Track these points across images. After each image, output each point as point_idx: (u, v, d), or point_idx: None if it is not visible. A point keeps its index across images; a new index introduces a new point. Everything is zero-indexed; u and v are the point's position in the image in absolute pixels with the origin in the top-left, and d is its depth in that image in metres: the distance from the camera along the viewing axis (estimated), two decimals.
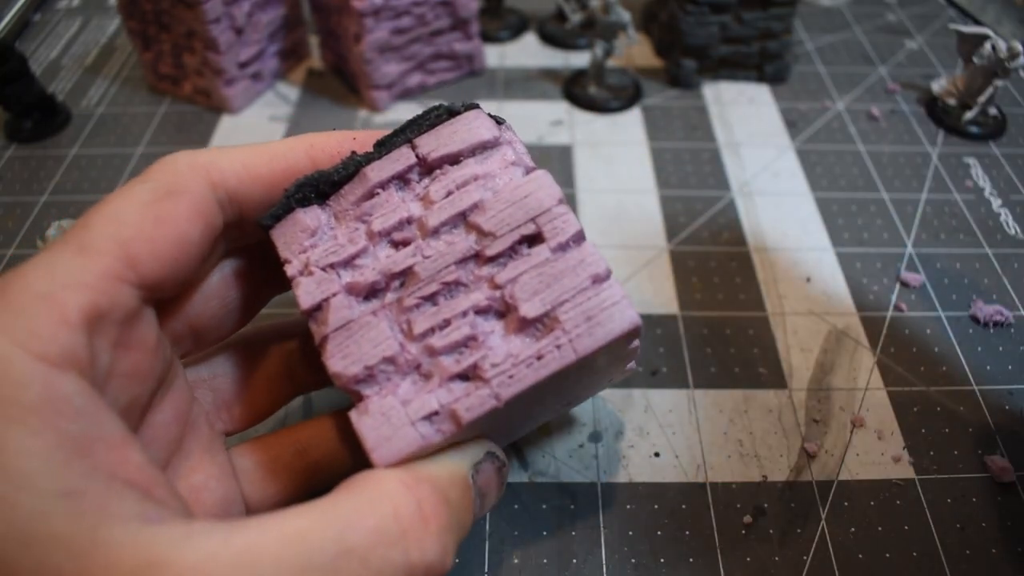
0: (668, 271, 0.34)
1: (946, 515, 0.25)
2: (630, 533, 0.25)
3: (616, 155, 0.40)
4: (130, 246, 0.16)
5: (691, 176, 0.39)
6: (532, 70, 0.47)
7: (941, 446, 0.27)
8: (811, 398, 0.29)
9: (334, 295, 0.18)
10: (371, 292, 0.18)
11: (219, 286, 0.20)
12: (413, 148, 0.19)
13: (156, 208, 0.17)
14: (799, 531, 0.25)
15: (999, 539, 0.25)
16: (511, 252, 0.18)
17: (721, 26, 0.43)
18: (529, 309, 0.17)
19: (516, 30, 0.50)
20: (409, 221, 0.19)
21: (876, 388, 0.29)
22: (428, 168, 0.19)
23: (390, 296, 0.18)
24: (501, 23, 0.50)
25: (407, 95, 0.44)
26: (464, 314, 0.18)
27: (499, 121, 0.20)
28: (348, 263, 0.18)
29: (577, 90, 0.44)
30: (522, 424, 0.22)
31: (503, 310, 0.18)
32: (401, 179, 0.19)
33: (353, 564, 0.14)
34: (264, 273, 0.21)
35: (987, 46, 0.39)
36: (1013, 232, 0.36)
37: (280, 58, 0.46)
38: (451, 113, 0.19)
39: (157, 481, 0.15)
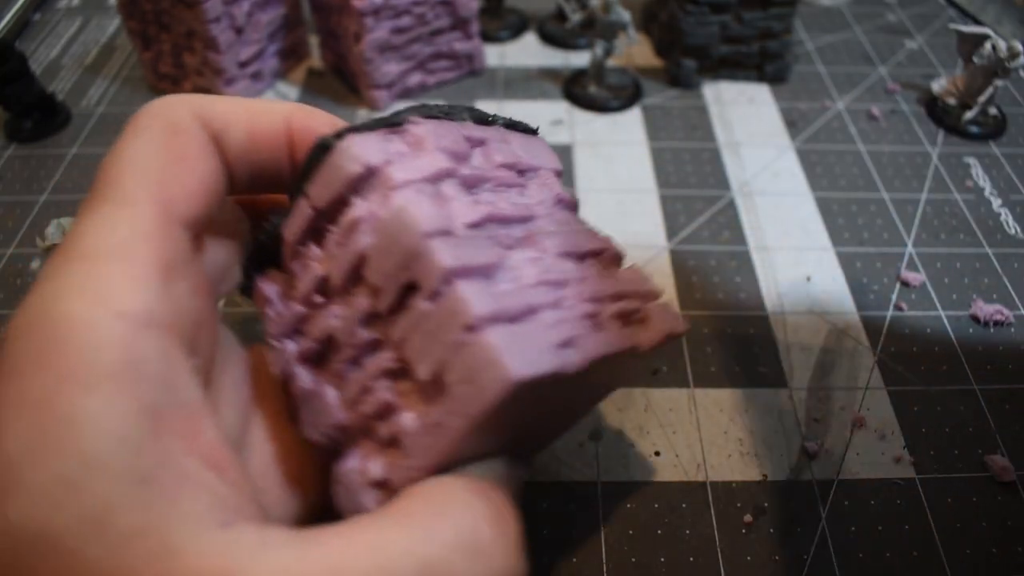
0: (668, 270, 0.34)
1: (946, 515, 0.25)
2: (630, 532, 0.25)
3: (616, 155, 0.40)
4: (163, 189, 0.16)
5: (691, 176, 0.39)
6: (532, 70, 0.47)
7: (941, 446, 0.27)
8: (811, 397, 0.29)
9: (290, 367, 0.17)
10: (316, 358, 0.17)
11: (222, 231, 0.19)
12: (307, 198, 0.17)
13: (169, 148, 0.16)
14: (799, 531, 0.25)
15: (999, 539, 0.25)
16: (399, 307, 0.16)
17: (721, 26, 0.43)
18: (422, 371, 0.15)
19: (516, 30, 0.50)
20: (325, 280, 0.17)
21: (876, 388, 0.29)
22: (329, 217, 0.17)
23: (333, 360, 0.17)
24: (501, 23, 0.50)
25: (407, 95, 0.44)
26: (377, 378, 0.16)
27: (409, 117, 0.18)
28: (293, 331, 0.18)
29: (577, 90, 0.44)
30: (538, 438, 0.21)
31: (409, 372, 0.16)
32: (313, 232, 0.17)
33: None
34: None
35: (987, 46, 0.39)
36: (1013, 232, 0.36)
37: (280, 58, 0.46)
38: (324, 149, 0.17)
39: (229, 460, 0.15)
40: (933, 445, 0.27)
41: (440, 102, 0.19)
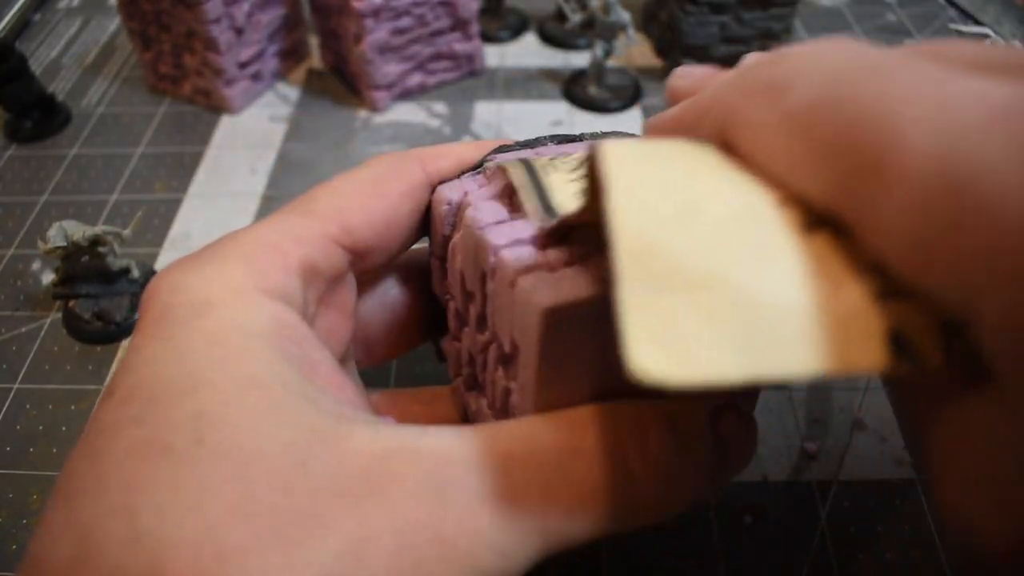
0: None
1: None
2: (630, 532, 0.25)
3: None
4: (347, 214, 0.18)
5: None
6: (532, 70, 0.47)
7: None
8: (811, 398, 0.29)
9: (461, 397, 0.20)
10: (473, 382, 0.20)
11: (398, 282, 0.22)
12: (432, 253, 0.20)
13: (373, 185, 0.19)
14: (799, 531, 0.25)
15: None
16: (484, 300, 0.17)
17: (721, 26, 0.43)
18: (506, 345, 0.16)
19: (516, 30, 0.50)
20: (457, 312, 0.20)
21: (876, 388, 0.29)
22: (446, 259, 0.19)
23: (479, 376, 0.19)
24: (501, 23, 0.50)
25: (407, 95, 0.44)
26: (495, 370, 0.18)
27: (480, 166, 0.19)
28: (457, 367, 0.20)
29: (577, 90, 0.44)
30: None
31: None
32: (445, 279, 0.20)
33: (580, 464, 0.14)
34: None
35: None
36: None
37: (280, 58, 0.46)
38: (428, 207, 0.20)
39: (366, 403, 0.17)
40: None
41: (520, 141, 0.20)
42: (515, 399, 0.17)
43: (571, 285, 0.14)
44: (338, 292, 0.19)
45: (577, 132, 0.20)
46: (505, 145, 0.19)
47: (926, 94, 0.10)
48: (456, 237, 0.18)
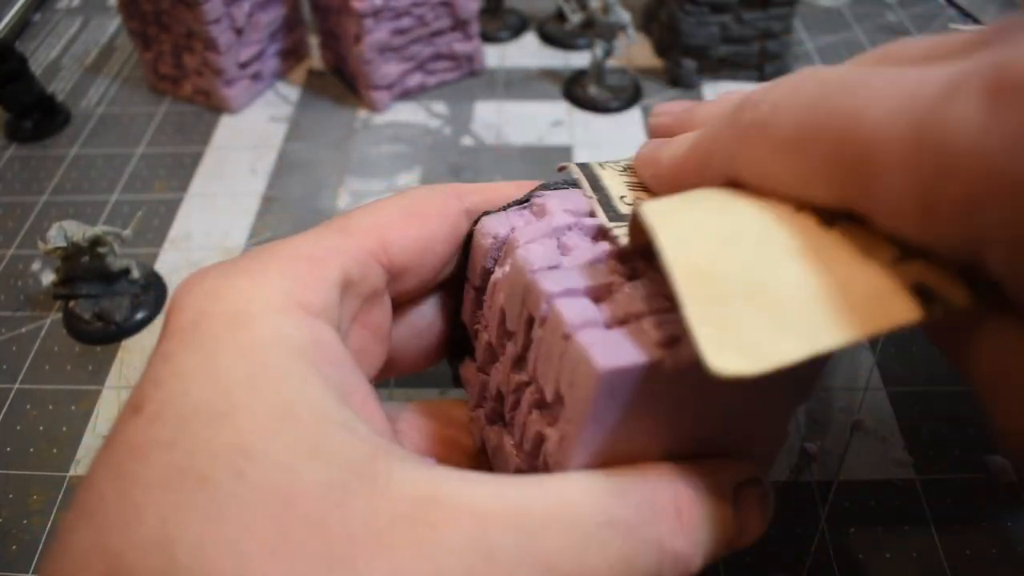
0: None
1: (946, 515, 0.25)
2: None
3: (617, 155, 0.40)
4: (384, 232, 0.18)
5: None
6: (532, 70, 0.47)
7: (941, 446, 0.27)
8: (811, 398, 0.29)
9: (481, 429, 0.20)
10: (496, 416, 0.20)
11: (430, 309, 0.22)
12: (468, 281, 0.20)
13: (410, 207, 0.19)
14: (799, 531, 0.25)
15: (999, 539, 0.25)
16: (528, 342, 0.17)
17: (721, 26, 0.43)
18: (548, 393, 0.16)
19: (516, 30, 0.50)
20: (489, 345, 0.19)
21: (876, 388, 0.29)
22: (484, 290, 0.19)
23: (505, 412, 0.19)
24: (501, 23, 0.50)
25: (407, 95, 0.44)
26: (529, 413, 0.17)
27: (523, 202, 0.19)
28: (480, 399, 0.20)
29: (577, 90, 0.44)
30: (740, 444, 0.19)
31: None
32: (478, 309, 0.20)
33: (616, 536, 0.14)
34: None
35: None
36: None
37: (280, 58, 0.46)
38: (470, 236, 0.20)
39: (390, 431, 0.16)
40: (933, 446, 0.27)
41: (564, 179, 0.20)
42: (551, 447, 0.16)
43: (631, 347, 0.14)
44: (373, 312, 0.18)
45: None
46: (552, 182, 0.20)
47: (887, 91, 0.12)
48: (499, 272, 0.18)
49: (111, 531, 0.12)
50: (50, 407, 0.29)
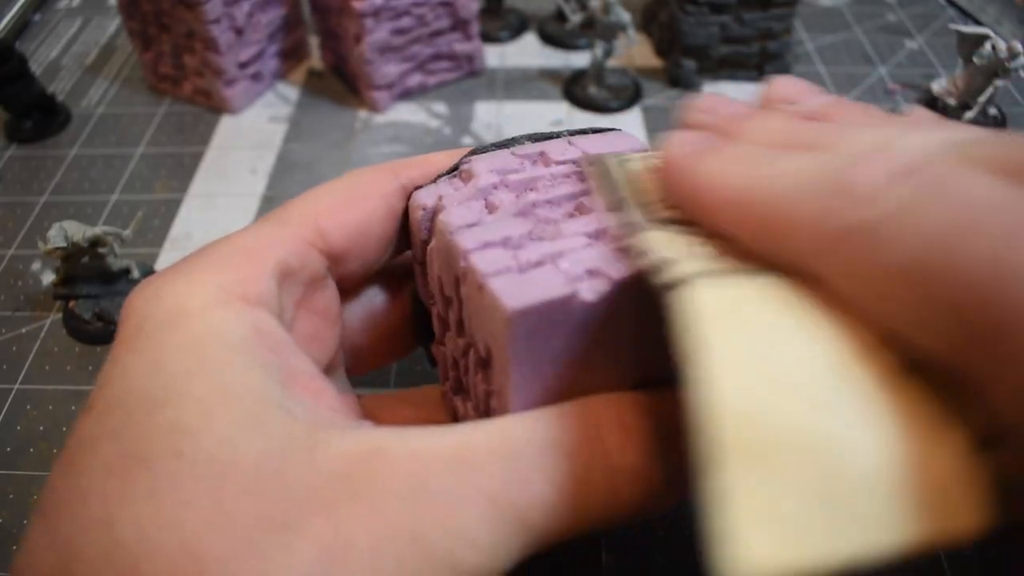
0: None
1: None
2: (630, 533, 0.25)
3: None
4: (320, 219, 0.18)
5: None
6: (532, 70, 0.47)
7: None
8: None
9: (451, 402, 0.20)
10: (459, 387, 0.20)
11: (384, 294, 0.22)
12: (415, 259, 0.20)
13: (346, 191, 0.19)
14: None
15: (999, 539, 0.25)
16: (460, 304, 0.17)
17: (721, 26, 0.43)
18: (481, 349, 0.16)
19: (516, 30, 0.50)
20: (440, 318, 0.19)
21: None
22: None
23: (463, 380, 0.19)
24: (501, 23, 0.50)
25: (407, 95, 0.44)
26: (475, 374, 0.17)
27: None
28: (445, 373, 0.20)
29: (577, 90, 0.44)
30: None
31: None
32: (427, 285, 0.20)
33: (559, 458, 0.14)
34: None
35: (987, 46, 0.39)
36: None
37: (280, 58, 0.46)
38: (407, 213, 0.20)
39: (350, 412, 0.17)
40: None
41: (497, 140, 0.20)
42: (495, 403, 0.17)
43: (540, 285, 0.14)
44: (319, 297, 0.19)
45: (555, 131, 0.20)
46: (480, 147, 0.20)
47: None
48: (432, 242, 0.18)
49: (60, 519, 0.13)
50: (50, 407, 0.29)
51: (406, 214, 0.20)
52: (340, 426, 0.14)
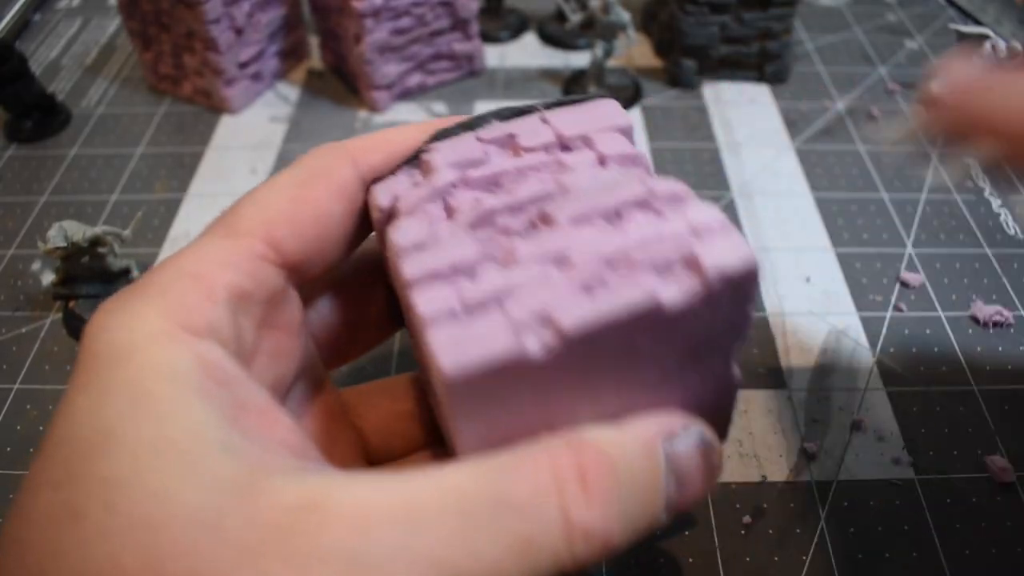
0: None
1: (946, 515, 0.25)
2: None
3: None
4: (273, 227, 0.17)
5: (691, 176, 0.39)
6: (532, 70, 0.47)
7: (941, 446, 0.27)
8: (810, 398, 0.29)
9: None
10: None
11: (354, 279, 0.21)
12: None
13: (298, 191, 0.17)
14: (798, 531, 0.25)
15: (999, 539, 0.25)
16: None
17: (721, 26, 0.43)
18: (431, 377, 0.15)
19: (516, 30, 0.50)
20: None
21: (876, 388, 0.29)
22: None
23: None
24: (501, 23, 0.50)
25: (407, 95, 0.44)
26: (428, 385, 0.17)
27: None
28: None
29: (577, 90, 0.44)
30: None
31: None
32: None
33: (511, 518, 0.13)
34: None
35: (987, 46, 0.39)
36: (1013, 232, 0.36)
37: (280, 58, 0.46)
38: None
39: (306, 445, 0.16)
40: (932, 446, 0.27)
41: (463, 118, 0.19)
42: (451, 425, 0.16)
43: (482, 341, 0.13)
44: (280, 311, 0.18)
45: (527, 105, 0.19)
46: (443, 130, 0.18)
47: None
48: (388, 261, 0.17)
49: (6, 564, 0.13)
50: (50, 407, 0.29)
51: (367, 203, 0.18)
52: (283, 469, 0.14)
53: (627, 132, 0.18)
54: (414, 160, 0.18)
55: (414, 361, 0.30)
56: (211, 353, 0.15)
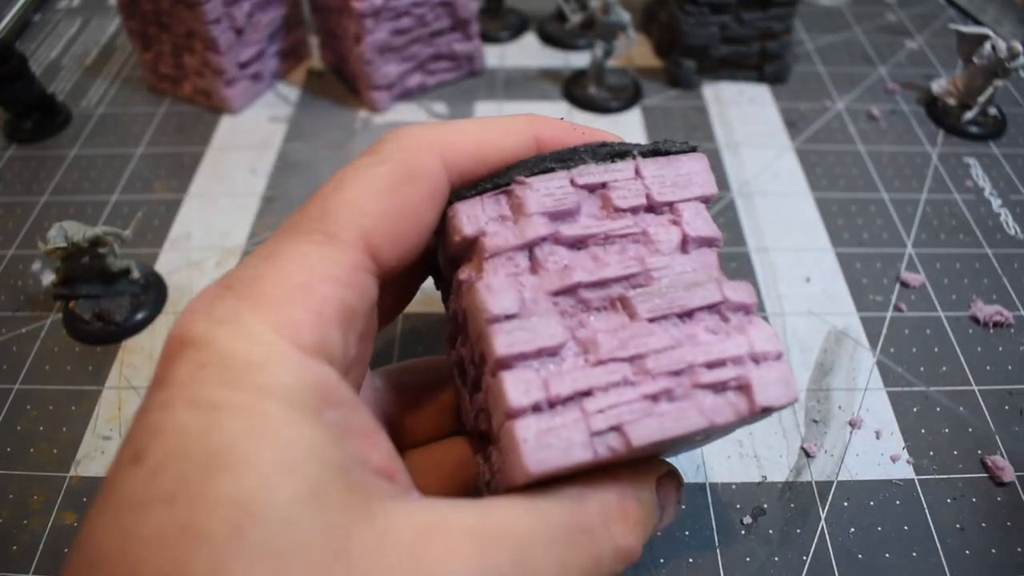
0: None
1: (946, 515, 0.25)
2: None
3: None
4: (373, 236, 0.16)
5: None
6: (532, 70, 0.47)
7: (941, 446, 0.27)
8: (811, 398, 0.29)
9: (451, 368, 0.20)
10: (462, 370, 0.20)
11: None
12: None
13: (396, 195, 0.17)
14: (799, 531, 0.25)
15: (999, 539, 0.25)
16: (480, 374, 0.18)
17: (721, 26, 0.43)
18: (493, 426, 0.17)
19: (516, 30, 0.50)
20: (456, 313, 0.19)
21: (876, 388, 0.29)
22: (455, 264, 0.19)
23: (468, 375, 0.19)
24: (501, 23, 0.50)
25: (407, 96, 0.44)
26: (480, 410, 0.18)
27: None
28: (452, 341, 0.20)
29: (577, 90, 0.44)
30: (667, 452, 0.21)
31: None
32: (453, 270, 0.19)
33: (586, 540, 0.16)
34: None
35: (987, 46, 0.39)
36: (1013, 232, 0.36)
37: (280, 58, 0.46)
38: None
39: (399, 468, 0.16)
40: (932, 446, 0.27)
41: (559, 122, 0.19)
42: (494, 460, 0.17)
43: (563, 447, 0.15)
44: (373, 316, 0.18)
45: (619, 143, 0.19)
46: (538, 159, 0.18)
47: None
48: (463, 274, 0.17)
49: None
50: (50, 407, 0.29)
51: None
52: (393, 494, 0.14)
53: (709, 200, 0.19)
54: (504, 184, 0.18)
55: (413, 345, 0.30)
56: (325, 375, 0.15)
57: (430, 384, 0.23)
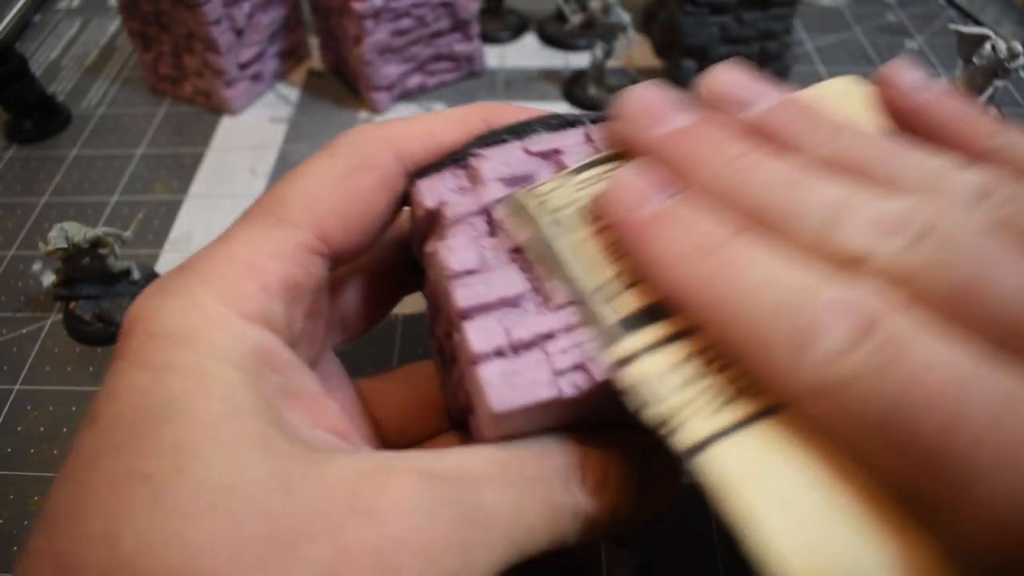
0: None
1: None
2: (631, 532, 0.25)
3: None
4: (323, 221, 0.17)
5: None
6: (532, 71, 0.47)
7: None
8: None
9: (434, 353, 0.20)
10: (441, 350, 0.19)
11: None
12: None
13: (347, 183, 0.18)
14: None
15: None
16: (450, 332, 0.18)
17: (721, 27, 0.43)
18: (466, 388, 0.17)
19: (516, 31, 0.50)
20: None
21: None
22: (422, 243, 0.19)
23: (447, 354, 0.19)
24: (501, 24, 0.50)
25: (407, 96, 0.44)
26: (459, 381, 0.18)
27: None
28: (432, 321, 0.20)
29: (577, 91, 0.44)
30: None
31: None
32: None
33: (543, 490, 0.15)
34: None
35: (987, 46, 0.39)
36: None
37: (280, 59, 0.46)
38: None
39: (352, 430, 0.17)
40: None
41: (508, 108, 0.19)
42: (472, 429, 0.17)
43: (527, 387, 0.15)
44: (321, 296, 0.18)
45: (570, 114, 0.19)
46: (492, 133, 0.19)
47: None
48: (430, 246, 0.18)
49: (60, 533, 0.12)
50: (51, 408, 0.29)
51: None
52: (340, 449, 0.15)
53: None
54: (460, 159, 0.18)
55: (413, 347, 0.30)
56: (267, 341, 0.15)
57: (416, 386, 0.23)
